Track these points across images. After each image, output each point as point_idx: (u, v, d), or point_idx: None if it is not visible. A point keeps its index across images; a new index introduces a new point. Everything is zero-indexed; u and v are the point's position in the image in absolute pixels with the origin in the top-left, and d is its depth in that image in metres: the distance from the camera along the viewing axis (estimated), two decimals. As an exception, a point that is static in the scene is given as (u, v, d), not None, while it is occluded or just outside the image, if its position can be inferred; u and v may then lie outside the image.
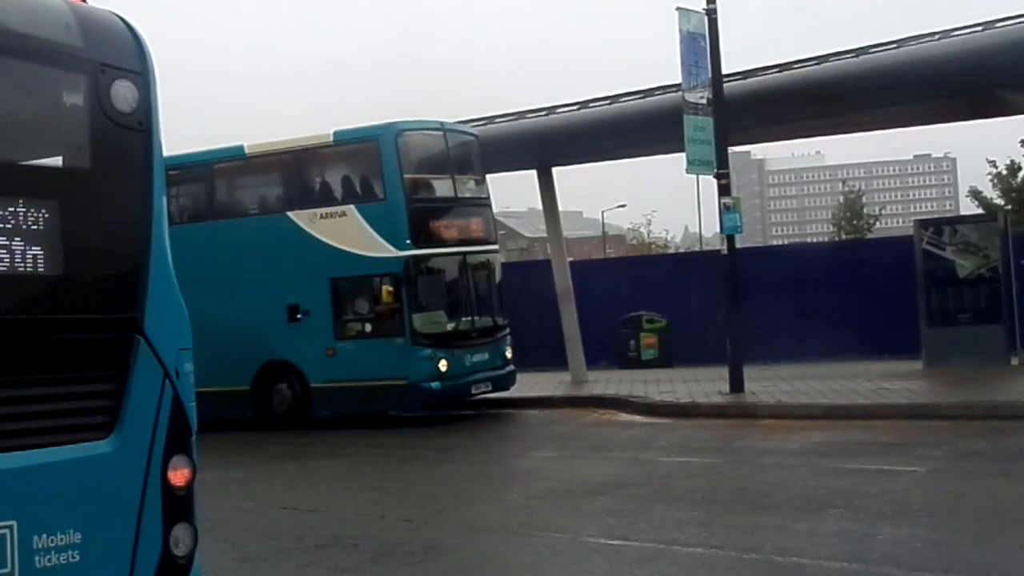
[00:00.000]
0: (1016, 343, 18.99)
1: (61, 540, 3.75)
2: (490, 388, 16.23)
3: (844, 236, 41.92)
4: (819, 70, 18.93)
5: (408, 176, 15.56)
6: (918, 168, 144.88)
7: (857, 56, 18.69)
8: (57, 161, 4.09)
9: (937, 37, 18.31)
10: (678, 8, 16.56)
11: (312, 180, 16.79)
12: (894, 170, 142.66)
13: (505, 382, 16.60)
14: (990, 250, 19.38)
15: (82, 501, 3.83)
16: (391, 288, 15.29)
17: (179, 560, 4.04)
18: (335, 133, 16.25)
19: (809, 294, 20.63)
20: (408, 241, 15.29)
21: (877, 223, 46.00)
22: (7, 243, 3.66)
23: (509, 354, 16.74)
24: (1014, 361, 18.51)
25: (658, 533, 8.44)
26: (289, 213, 16.19)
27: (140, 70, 4.04)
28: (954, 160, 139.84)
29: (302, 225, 16.03)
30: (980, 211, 31.23)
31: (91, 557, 3.78)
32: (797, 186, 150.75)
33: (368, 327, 15.80)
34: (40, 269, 3.75)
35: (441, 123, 16.67)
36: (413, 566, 7.86)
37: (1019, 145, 35.07)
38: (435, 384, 15.32)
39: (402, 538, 9.33)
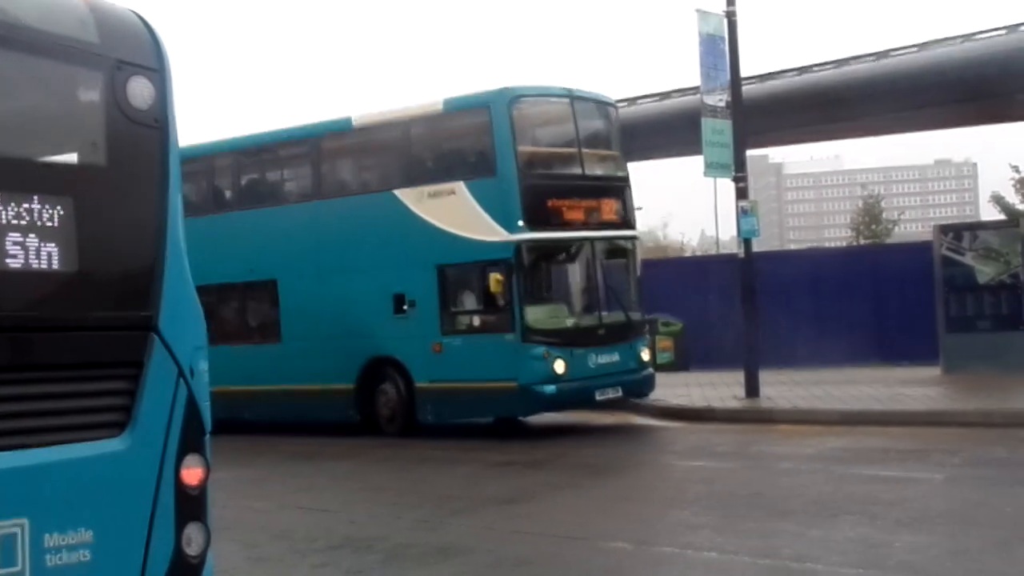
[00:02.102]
0: None
1: (72, 539, 3.75)
2: (620, 393, 14.46)
3: (862, 241, 41.63)
4: (837, 74, 19.08)
5: (523, 148, 13.93)
6: (938, 173, 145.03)
7: (877, 60, 18.79)
8: (72, 158, 4.13)
9: (959, 41, 18.33)
10: (698, 10, 16.44)
11: (420, 154, 15.22)
12: (914, 175, 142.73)
13: (641, 387, 14.87)
14: (1011, 256, 19.25)
15: (94, 499, 3.84)
16: (500, 277, 13.64)
17: (191, 560, 4.05)
18: (444, 101, 14.67)
19: (826, 299, 20.71)
20: (521, 223, 13.66)
21: (896, 228, 45.75)
22: (21, 240, 3.69)
23: (646, 356, 15.11)
24: None
25: (672, 537, 8.49)
26: (395, 191, 14.72)
27: (157, 67, 4.06)
28: (975, 165, 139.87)
29: (409, 205, 14.53)
30: (1001, 217, 31.23)
31: (103, 556, 3.80)
32: (815, 190, 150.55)
33: (476, 321, 14.26)
34: (54, 266, 3.78)
35: (568, 89, 14.74)
36: (428, 566, 8.10)
37: None
38: (549, 388, 13.64)
39: (417, 539, 9.52)
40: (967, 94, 17.99)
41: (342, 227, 15.17)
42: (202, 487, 4.11)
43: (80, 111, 4.03)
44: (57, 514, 3.73)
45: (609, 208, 14.88)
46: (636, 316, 15.12)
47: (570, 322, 14.34)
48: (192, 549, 4.06)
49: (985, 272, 19.14)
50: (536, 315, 13.71)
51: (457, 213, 13.96)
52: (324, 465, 14.44)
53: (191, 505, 4.08)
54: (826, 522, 9.15)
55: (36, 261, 3.74)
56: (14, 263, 3.68)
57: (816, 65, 18.36)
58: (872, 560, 7.59)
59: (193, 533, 4.06)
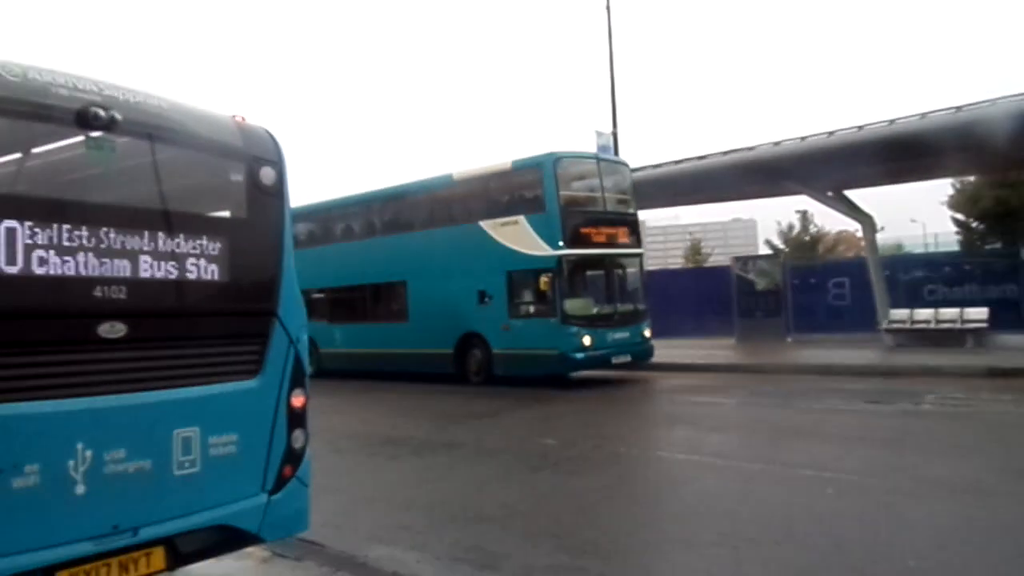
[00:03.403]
0: (789, 329, 23.31)
1: (226, 439, 4.41)
2: (629, 359, 16.34)
3: (690, 266, 50.46)
4: (677, 169, 21.86)
5: (564, 193, 15.77)
6: (734, 226, 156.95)
7: (700, 160, 20.79)
8: (227, 213, 5.01)
9: (753, 146, 20.20)
10: (596, 131, 21.29)
11: (496, 197, 17.02)
12: (720, 227, 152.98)
13: (643, 354, 16.76)
14: (775, 274, 24.08)
15: (239, 415, 4.53)
16: (547, 279, 15.29)
17: (297, 451, 4.79)
18: (513, 162, 16.57)
19: (672, 299, 23.86)
20: (560, 243, 15.31)
21: (710, 258, 56.87)
22: (197, 263, 4.43)
23: (648, 333, 16.90)
24: (788, 340, 23.00)
25: (585, 437, 9.13)
26: (480, 222, 16.57)
27: (277, 160, 4.96)
28: (755, 222, 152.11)
29: (488, 231, 16.33)
30: (770, 252, 40.33)
31: (244, 448, 4.52)
32: (663, 237, 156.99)
33: (532, 309, 15.94)
34: (216, 278, 4.51)
35: (596, 154, 17.95)
36: (438, 454, 8.67)
37: (794, 213, 45.26)
38: (580, 354, 15.37)
39: (431, 438, 10.76)
40: (762, 181, 21.19)
41: (446, 246, 17.37)
42: (304, 407, 4.86)
43: (232, 186, 4.85)
44: (217, 424, 4.39)
45: (623, 234, 16.79)
46: (641, 307, 17.17)
47: (595, 310, 16.26)
48: (298, 444, 4.81)
49: (760, 283, 23.51)
50: (572, 305, 15.51)
51: (519, 236, 15.81)
52: (385, 397, 16.53)
53: (297, 418, 4.80)
54: (666, 427, 11.16)
55: (206, 275, 4.46)
56: (192, 276, 4.42)
57: (668, 162, 20.44)
58: (694, 448, 9.00)
59: (298, 435, 4.82)
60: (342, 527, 6.45)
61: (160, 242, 4.21)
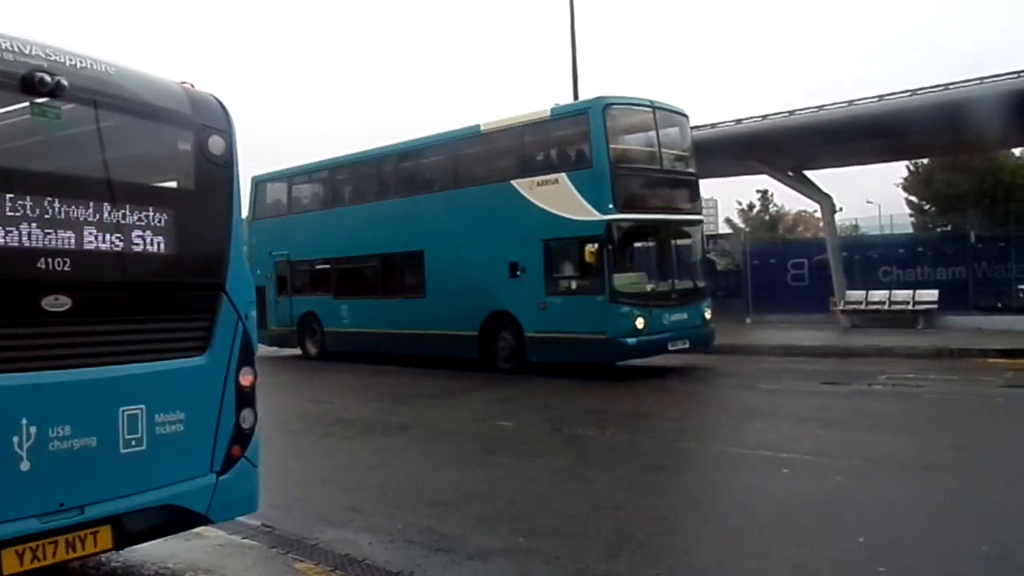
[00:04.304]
0: (749, 310, 22.97)
1: (173, 417, 4.39)
2: (687, 345, 14.13)
3: None
4: None
5: (614, 145, 13.55)
6: None
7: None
8: (173, 184, 4.92)
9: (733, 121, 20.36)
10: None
11: (531, 152, 14.96)
12: None
13: (704, 340, 14.56)
14: (736, 254, 23.76)
15: (186, 393, 4.51)
16: (594, 249, 13.03)
17: (246, 431, 4.81)
18: (552, 109, 14.70)
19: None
20: (611, 206, 13.08)
21: None
22: (142, 234, 4.38)
23: (708, 315, 14.64)
24: (748, 320, 22.77)
25: (574, 422, 9.19)
26: (512, 181, 14.46)
27: (226, 128, 4.91)
28: (716, 200, 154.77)
29: (522, 192, 14.20)
30: (730, 231, 40.57)
31: (191, 427, 4.50)
32: None
33: (573, 284, 13.85)
34: (162, 251, 4.46)
35: (651, 100, 14.30)
36: (389, 436, 8.58)
37: (755, 192, 46.52)
38: (631, 340, 13.16)
39: (381, 419, 10.73)
40: (747, 159, 21.51)
41: (471, 209, 15.38)
42: (252, 386, 4.87)
43: (180, 155, 4.80)
44: (164, 402, 4.37)
45: (682, 197, 14.64)
46: (701, 284, 14.91)
47: (649, 287, 14.18)
48: (246, 424, 4.82)
49: (721, 263, 22.78)
50: (621, 281, 13.42)
51: (559, 198, 13.68)
52: (337, 377, 16.10)
53: (245, 397, 4.81)
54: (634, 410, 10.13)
55: (152, 247, 4.42)
56: (137, 248, 4.38)
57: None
58: (661, 434, 8.75)
59: (246, 414, 4.82)
60: (293, 508, 6.42)
61: (105, 213, 4.18)
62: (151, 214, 4.33)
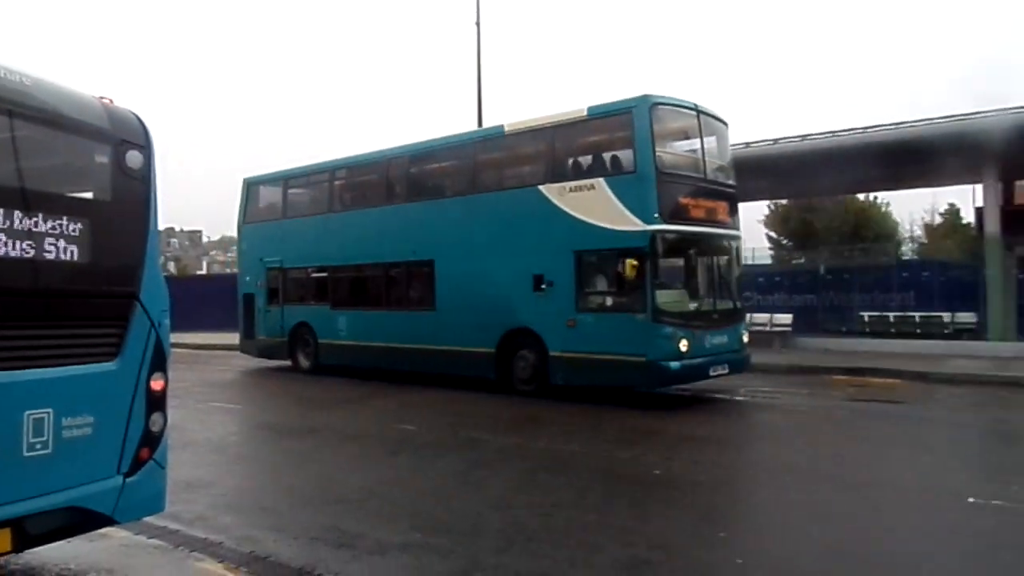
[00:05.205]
0: None
1: (81, 421, 4.19)
2: (727, 371, 12.18)
3: None
4: None
5: (660, 150, 11.58)
6: None
7: None
8: (89, 195, 4.70)
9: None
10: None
11: (564, 155, 12.82)
12: None
13: (742, 365, 12.67)
14: None
15: (96, 397, 4.32)
16: (635, 262, 11.15)
17: (155, 434, 4.63)
18: (589, 108, 12.26)
19: None
20: (656, 215, 11.20)
21: None
22: (55, 243, 4.18)
23: (746, 338, 12.93)
24: None
25: (477, 430, 9.18)
26: (540, 187, 12.47)
27: (145, 144, 4.76)
28: None
29: (551, 198, 12.22)
30: None
31: (99, 431, 4.30)
32: None
33: (609, 301, 11.80)
34: (76, 259, 4.27)
35: (694, 104, 12.33)
36: (299, 438, 8.30)
37: None
38: (675, 364, 11.15)
39: (297, 424, 9.83)
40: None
41: (491, 217, 13.27)
42: (163, 391, 4.71)
43: (96, 167, 4.63)
44: (72, 406, 4.17)
45: (723, 210, 12.61)
46: (739, 304, 13.13)
47: (692, 306, 12.07)
48: (155, 427, 4.66)
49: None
50: (665, 298, 11.45)
51: (596, 205, 11.71)
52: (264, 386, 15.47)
53: (156, 401, 4.65)
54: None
55: (64, 255, 4.23)
56: (49, 256, 4.18)
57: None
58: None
59: (156, 418, 4.67)
60: (202, 509, 6.17)
61: (17, 220, 3.96)
62: (65, 223, 4.14)
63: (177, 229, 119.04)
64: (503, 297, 12.89)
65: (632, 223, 11.27)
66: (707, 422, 10.40)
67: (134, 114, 4.77)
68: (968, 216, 37.45)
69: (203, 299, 27.71)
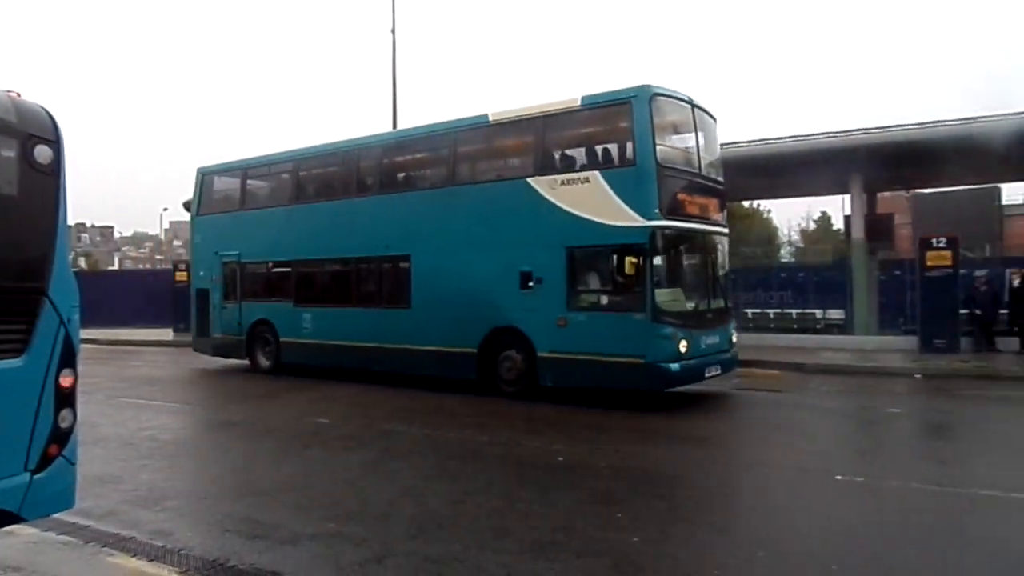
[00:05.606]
0: None
1: (-14, 418, 4.41)
2: (720, 372, 11.43)
3: None
4: None
5: (660, 142, 10.72)
6: None
7: None
8: None
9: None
10: None
11: (555, 146, 11.84)
12: None
13: (732, 365, 11.97)
14: None
15: (2, 393, 4.10)
16: (634, 259, 10.45)
17: (64, 430, 4.44)
18: (583, 97, 11.21)
19: None
20: (657, 211, 10.37)
21: None
22: (-41, 239, 4.19)
23: (735, 338, 12.19)
24: None
25: (377, 419, 9.03)
26: (529, 180, 11.47)
27: (54, 139, 4.52)
28: None
29: (541, 191, 11.25)
30: None
31: (5, 428, 4.10)
32: None
33: (604, 299, 10.83)
34: None
35: (689, 97, 11.51)
36: (221, 431, 7.90)
37: None
38: (674, 365, 10.37)
39: (216, 417, 9.09)
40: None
41: (474, 211, 12.23)
42: (72, 387, 4.48)
43: (3, 162, 4.33)
44: None
45: (715, 206, 11.94)
46: (728, 303, 12.55)
47: (690, 305, 11.24)
48: (65, 424, 4.45)
49: None
50: (663, 297, 10.60)
51: (590, 200, 10.82)
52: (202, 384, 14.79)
53: (65, 398, 4.44)
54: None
55: None
56: (-45, 252, 4.18)
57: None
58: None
59: (65, 414, 4.47)
60: (112, 504, 5.98)
61: (-81, 214, 3.84)
62: None
63: (88, 224, 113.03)
64: (487, 294, 11.94)
65: (630, 218, 10.44)
66: (609, 414, 10.36)
67: (44, 108, 4.54)
68: (838, 223, 39.93)
69: (116, 295, 26.43)
